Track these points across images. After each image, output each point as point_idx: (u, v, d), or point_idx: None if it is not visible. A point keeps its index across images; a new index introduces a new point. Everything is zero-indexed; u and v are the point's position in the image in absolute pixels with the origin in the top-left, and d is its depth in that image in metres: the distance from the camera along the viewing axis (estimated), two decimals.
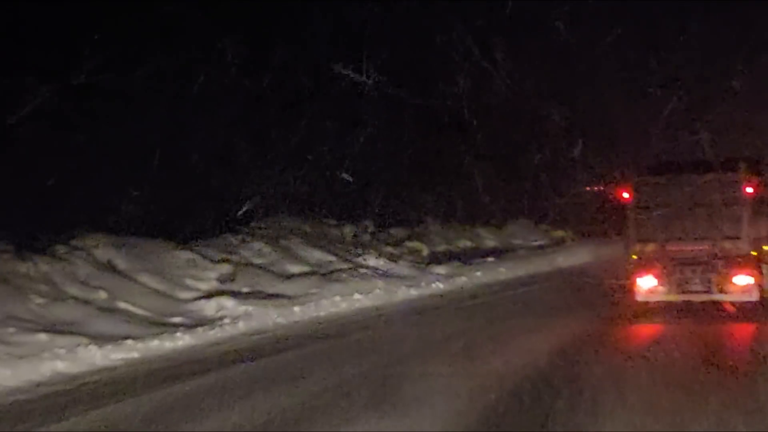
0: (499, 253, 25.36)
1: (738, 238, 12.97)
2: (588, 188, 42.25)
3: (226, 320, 14.43)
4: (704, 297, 13.15)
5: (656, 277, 13.21)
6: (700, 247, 13.04)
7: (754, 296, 12.95)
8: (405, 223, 28.91)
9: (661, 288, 13.22)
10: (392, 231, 27.45)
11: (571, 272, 21.90)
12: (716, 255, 12.97)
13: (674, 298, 13.32)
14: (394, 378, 9.57)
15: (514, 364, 10.24)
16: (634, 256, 13.47)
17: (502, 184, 32.31)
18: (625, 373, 9.68)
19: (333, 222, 24.48)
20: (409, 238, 26.54)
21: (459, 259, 22.79)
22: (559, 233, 31.92)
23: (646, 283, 13.35)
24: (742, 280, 12.94)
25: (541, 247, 27.95)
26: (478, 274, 20.65)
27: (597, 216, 35.27)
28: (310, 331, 14.04)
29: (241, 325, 14.22)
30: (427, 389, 8.93)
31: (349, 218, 25.83)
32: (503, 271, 21.38)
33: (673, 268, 13.09)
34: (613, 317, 14.06)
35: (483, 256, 23.79)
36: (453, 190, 31.07)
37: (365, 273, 18.77)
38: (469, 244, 28.42)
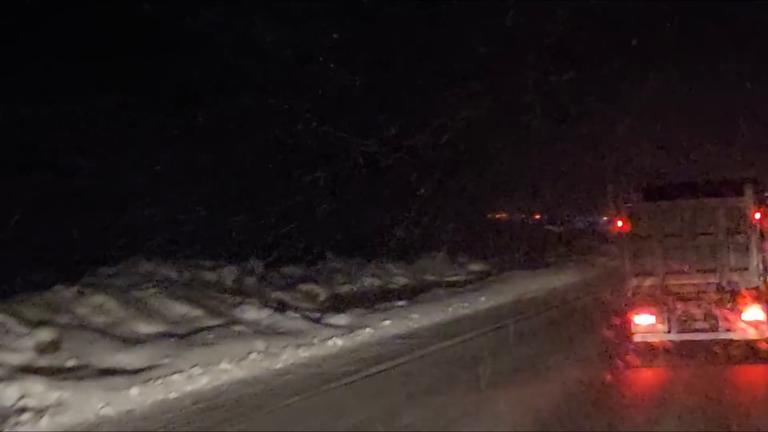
0: (411, 293, 21.34)
1: (746, 269, 11.68)
2: (496, 215, 39.44)
3: (26, 415, 9.97)
4: (709, 336, 11.82)
5: (655, 314, 11.86)
6: (705, 281, 11.78)
7: (765, 332, 11.60)
8: (302, 260, 24.88)
9: (660, 326, 11.86)
10: (286, 270, 23.29)
11: (501, 315, 18.00)
12: (723, 289, 11.70)
13: (676, 337, 11.91)
14: None
15: None
16: (631, 292, 12.04)
17: (413, 211, 28.89)
18: None
19: (210, 264, 20.03)
20: (305, 278, 22.31)
21: (363, 305, 18.61)
22: (479, 266, 28.18)
23: (644, 322, 11.92)
24: (752, 315, 11.61)
25: (459, 283, 24.04)
26: (387, 323, 16.49)
27: (521, 245, 32.08)
28: (144, 429, 9.60)
29: (45, 423, 9.77)
30: None
31: (234, 257, 21.57)
32: (417, 318, 17.27)
33: (674, 304, 11.79)
34: (583, 380, 10.74)
35: (392, 299, 19.67)
36: (358, 219, 27.37)
37: (242, 331, 14.36)
38: (376, 282, 24.49)
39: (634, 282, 11.97)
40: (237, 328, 14.47)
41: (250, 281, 19.61)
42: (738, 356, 11.67)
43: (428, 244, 29.49)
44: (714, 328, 11.66)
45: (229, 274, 19.34)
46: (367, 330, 15.73)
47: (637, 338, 11.97)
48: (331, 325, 16.02)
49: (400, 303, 18.88)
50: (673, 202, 12.09)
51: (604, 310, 16.97)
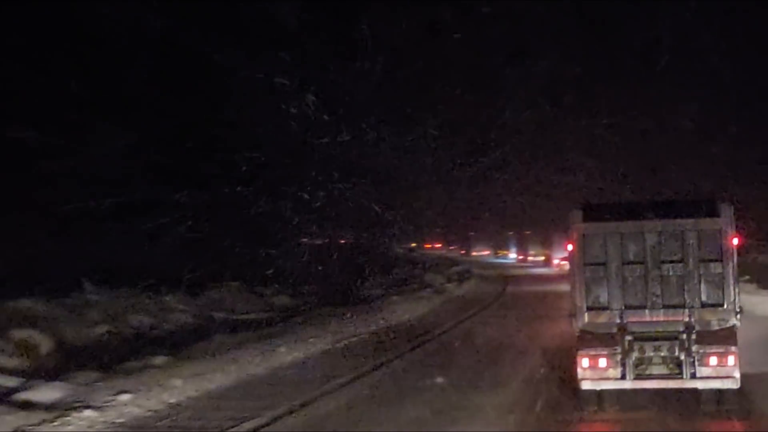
0: (185, 339, 15.49)
1: (720, 305, 10.08)
2: (306, 240, 34.00)
3: None
4: (671, 383, 10.19)
5: (607, 357, 10.00)
6: (671, 318, 10.04)
7: (737, 381, 9.93)
8: (43, 292, 18.48)
9: (612, 371, 10.00)
10: (17, 305, 16.97)
11: (304, 380, 12.45)
12: (691, 328, 9.87)
13: (631, 385, 10.12)
14: None
15: None
16: (580, 330, 10.21)
17: (202, 231, 23.07)
18: None
19: None
20: (36, 319, 15.95)
21: (102, 363, 12.54)
22: (284, 300, 22.61)
23: (594, 366, 10.02)
24: (723, 360, 9.91)
25: (255, 324, 18.23)
26: (126, 398, 10.47)
27: (336, 274, 26.84)
28: None
29: None
30: None
31: None
32: (178, 387, 11.33)
33: (630, 345, 9.92)
34: None
35: (152, 351, 13.65)
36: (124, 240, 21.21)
37: None
38: (146, 321, 18.55)
39: (586, 318, 10.20)
40: None
41: None
42: (701, 408, 10.01)
43: (222, 273, 23.72)
44: (677, 375, 10.00)
45: None
46: (86, 414, 9.66)
47: (584, 385, 10.11)
48: (28, 405, 9.89)
49: (159, 360, 12.89)
50: (635, 222, 10.29)
51: (451, 370, 12.03)
